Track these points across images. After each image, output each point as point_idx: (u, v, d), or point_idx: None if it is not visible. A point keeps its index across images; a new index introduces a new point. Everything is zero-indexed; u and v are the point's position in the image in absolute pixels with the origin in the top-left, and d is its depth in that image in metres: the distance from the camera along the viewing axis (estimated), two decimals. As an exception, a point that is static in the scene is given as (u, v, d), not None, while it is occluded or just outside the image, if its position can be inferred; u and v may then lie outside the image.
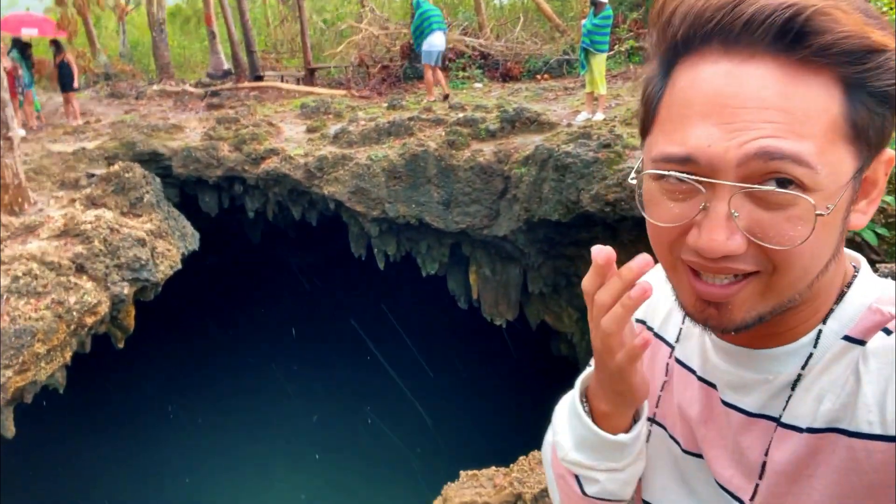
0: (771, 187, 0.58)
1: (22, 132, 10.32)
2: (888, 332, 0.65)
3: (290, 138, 9.17)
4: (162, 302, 6.99)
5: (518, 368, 9.72)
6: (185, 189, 9.31)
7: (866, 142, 0.62)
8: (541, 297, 8.37)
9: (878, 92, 0.60)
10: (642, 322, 0.97)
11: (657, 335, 0.93)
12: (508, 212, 7.34)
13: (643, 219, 0.70)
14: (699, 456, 0.82)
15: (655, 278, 0.99)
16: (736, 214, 0.60)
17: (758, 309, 0.65)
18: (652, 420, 0.90)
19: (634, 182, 0.77)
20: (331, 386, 9.80)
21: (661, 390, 0.89)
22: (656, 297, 0.95)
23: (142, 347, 7.99)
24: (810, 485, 0.67)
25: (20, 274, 5.09)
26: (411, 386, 9.33)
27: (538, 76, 12.50)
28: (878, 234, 4.33)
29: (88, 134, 10.59)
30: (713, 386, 0.80)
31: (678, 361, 0.87)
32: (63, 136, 10.64)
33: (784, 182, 0.58)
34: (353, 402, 9.42)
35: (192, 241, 7.33)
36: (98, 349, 6.21)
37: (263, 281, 12.69)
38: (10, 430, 4.92)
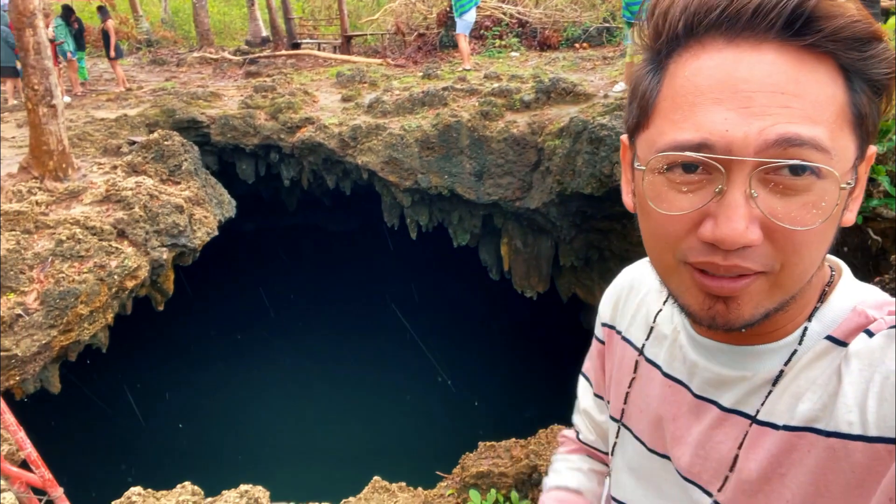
0: (795, 161, 0.57)
1: (67, 99, 10.60)
2: (870, 333, 0.65)
3: (325, 107, 9.22)
4: (200, 266, 7.18)
5: (547, 340, 9.74)
6: (223, 157, 9.47)
7: (865, 131, 0.62)
8: (572, 270, 8.34)
9: (875, 81, 0.60)
10: (611, 327, 0.99)
11: (624, 338, 0.94)
12: (541, 184, 7.29)
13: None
14: (664, 456, 0.83)
15: (623, 282, 1.00)
16: (755, 194, 0.59)
17: (765, 305, 0.64)
18: (619, 422, 0.91)
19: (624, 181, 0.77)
20: (361, 353, 9.97)
21: (629, 389, 0.89)
22: (624, 302, 0.97)
23: (181, 311, 8.25)
24: (783, 483, 0.68)
25: (64, 238, 5.28)
26: (439, 356, 9.45)
27: (577, 45, 12.24)
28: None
29: (131, 101, 10.81)
30: (681, 383, 0.80)
31: (647, 360, 0.87)
32: (106, 102, 10.89)
33: (797, 169, 0.58)
34: (381, 369, 9.58)
35: (229, 208, 7.47)
36: (139, 311, 6.44)
37: (299, 247, 12.89)
38: (55, 387, 5.17)
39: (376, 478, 3.03)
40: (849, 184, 0.62)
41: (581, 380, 1.10)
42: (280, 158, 9.09)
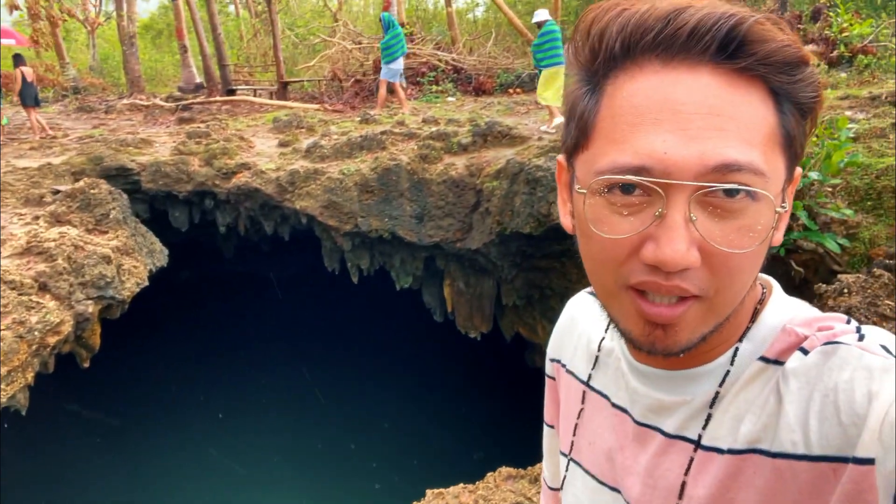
0: (732, 184, 0.58)
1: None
2: (805, 351, 0.65)
3: (261, 152, 9.10)
4: (131, 318, 6.86)
5: (493, 380, 9.71)
6: (155, 204, 9.18)
7: (793, 153, 0.64)
8: (514, 310, 8.38)
9: (802, 104, 0.62)
10: (557, 361, 0.98)
11: (568, 371, 0.93)
12: (481, 225, 7.36)
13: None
14: (614, 489, 0.81)
15: (566, 315, 0.99)
16: (694, 218, 0.59)
17: (701, 329, 0.64)
18: (567, 456, 0.89)
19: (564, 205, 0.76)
20: (300, 401, 9.69)
21: (578, 421, 0.88)
22: (566, 335, 0.97)
23: (110, 366, 7.83)
24: None
25: (-21, 293, 4.95)
26: (384, 401, 9.27)
27: (510, 90, 12.63)
28: (839, 245, 4.42)
29: (55, 149, 10.41)
30: (625, 411, 0.80)
31: (594, 390, 0.87)
32: (29, 150, 10.44)
33: (732, 192, 0.59)
34: (321, 417, 9.31)
35: (161, 257, 7.21)
36: (63, 369, 6.07)
37: (237, 295, 12.55)
38: (-33, 455, 4.77)
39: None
40: (783, 207, 0.63)
41: (544, 427, 1.08)
42: (215, 205, 8.88)
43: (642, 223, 0.61)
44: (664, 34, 0.60)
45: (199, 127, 10.59)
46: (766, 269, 0.71)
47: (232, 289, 12.48)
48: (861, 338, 0.64)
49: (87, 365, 6.44)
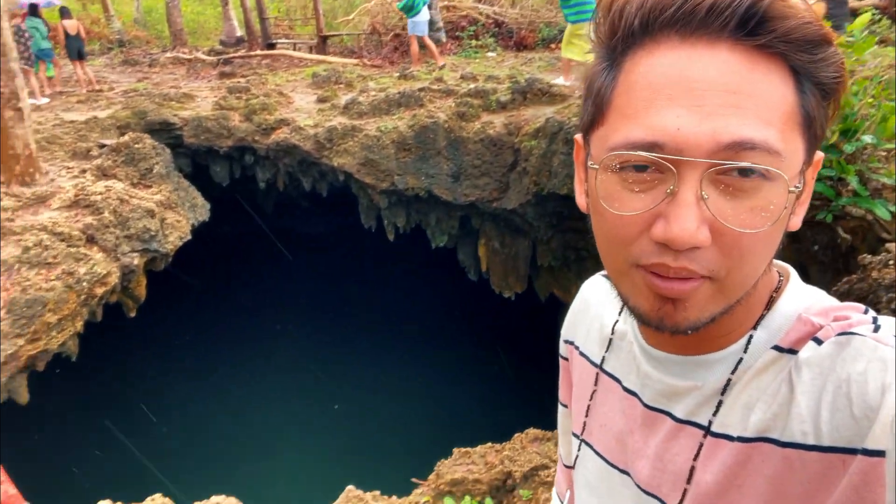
0: (745, 163, 0.57)
1: (35, 101, 10.37)
2: (819, 341, 0.65)
3: (300, 108, 9.13)
4: (175, 270, 7.06)
5: (525, 341, 9.75)
6: (197, 159, 9.34)
7: (813, 135, 0.63)
8: (550, 271, 8.35)
9: (823, 84, 0.61)
10: (570, 342, 0.99)
11: (581, 353, 0.94)
12: (518, 185, 7.29)
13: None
14: (624, 472, 0.82)
15: (580, 297, 1.00)
16: (706, 196, 0.58)
17: (710, 309, 0.64)
18: (579, 438, 0.90)
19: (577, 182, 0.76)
20: (336, 356, 9.89)
21: (590, 403, 0.89)
22: (580, 317, 0.97)
23: (155, 316, 8.11)
24: (740, 494, 0.67)
25: (31, 245, 5.15)
26: (416, 359, 9.40)
27: (552, 45, 12.28)
28: (890, 212, 4.25)
29: (101, 102, 10.62)
30: (635, 394, 0.80)
31: (607, 373, 0.87)
32: (76, 104, 10.68)
33: (746, 170, 0.58)
34: (355, 374, 9.50)
35: (203, 211, 7.37)
36: (111, 318, 6.32)
37: (276, 250, 12.77)
38: (23, 397, 5.04)
39: (350, 487, 2.99)
40: (797, 187, 0.62)
41: (559, 406, 1.09)
42: (255, 160, 8.99)
43: (653, 200, 0.60)
44: (683, 10, 0.59)
45: (239, 82, 10.65)
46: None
47: (272, 244, 12.70)
48: (877, 328, 0.63)
49: (133, 315, 6.69)
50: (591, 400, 0.89)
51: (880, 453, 0.56)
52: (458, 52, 12.54)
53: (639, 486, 0.79)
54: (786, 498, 0.64)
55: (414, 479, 3.25)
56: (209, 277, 11.38)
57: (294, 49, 14.60)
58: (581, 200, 0.75)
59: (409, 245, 9.46)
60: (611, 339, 0.87)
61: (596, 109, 0.67)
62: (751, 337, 0.70)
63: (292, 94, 9.75)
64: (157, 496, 3.16)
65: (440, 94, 8.41)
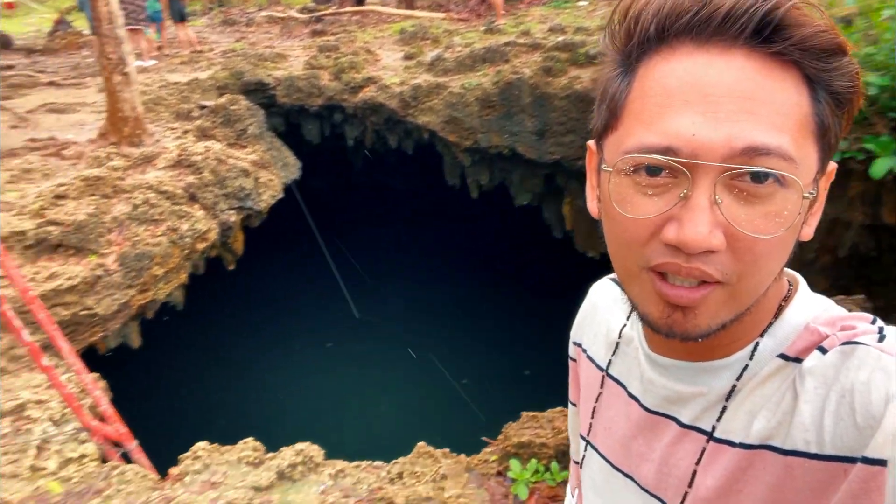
0: (760, 168, 0.58)
1: (143, 63, 11.00)
2: (824, 350, 0.65)
3: (387, 66, 9.20)
4: (269, 224, 7.41)
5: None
6: (290, 118, 9.66)
7: (827, 144, 0.62)
8: (637, 231, 8.13)
9: (838, 94, 0.60)
10: (578, 345, 1.00)
11: (588, 356, 0.95)
12: (604, 143, 7.07)
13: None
14: (628, 476, 0.83)
15: (589, 299, 1.01)
16: (720, 200, 0.59)
17: (722, 316, 0.64)
18: (585, 439, 0.92)
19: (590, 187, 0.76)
20: (416, 314, 10.09)
21: (595, 404, 0.90)
22: (588, 320, 0.98)
23: (254, 267, 8.59)
24: (739, 500, 0.68)
25: (139, 202, 5.57)
26: (498, 315, 9.44)
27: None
28: None
29: (202, 63, 11.12)
30: (638, 401, 0.81)
31: (611, 377, 0.88)
32: (180, 65, 11.25)
33: (760, 176, 0.58)
34: (434, 333, 9.63)
35: (294, 170, 7.66)
36: (212, 270, 6.77)
37: (366, 206, 13.10)
38: (135, 342, 5.55)
39: (421, 443, 3.13)
40: (811, 193, 0.61)
41: (569, 406, 1.12)
42: (344, 119, 9.19)
43: (666, 204, 0.61)
44: (699, 16, 0.59)
45: (329, 40, 10.82)
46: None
47: (361, 199, 13.03)
48: (882, 338, 0.63)
49: (232, 268, 7.13)
50: (596, 402, 0.90)
51: (881, 462, 0.56)
52: (548, 2, 12.12)
53: (643, 489, 0.81)
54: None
55: (484, 438, 3.35)
56: (300, 231, 11.85)
57: (383, 4, 14.61)
58: (593, 206, 0.75)
59: (492, 203, 9.44)
60: (617, 344, 0.88)
61: (610, 114, 0.67)
62: (757, 344, 0.70)
63: (380, 52, 9.81)
64: (250, 440, 3.42)
65: (526, 48, 8.21)
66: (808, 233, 0.65)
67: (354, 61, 8.87)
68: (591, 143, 0.74)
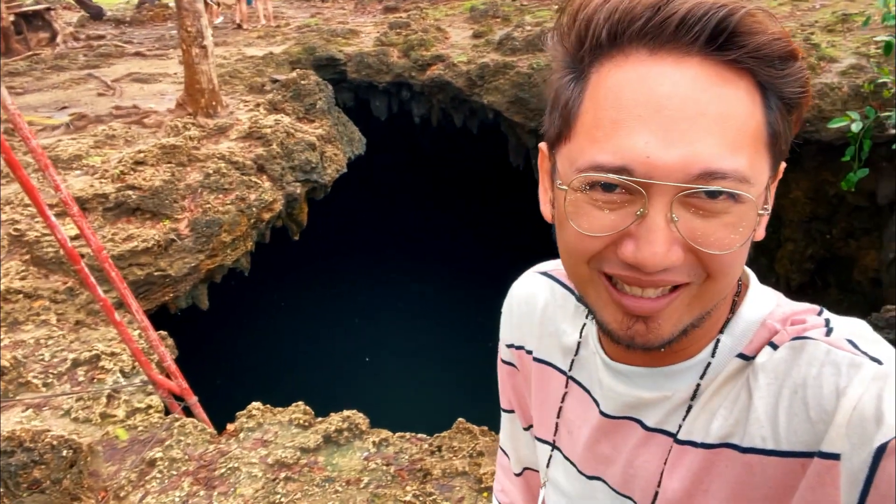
0: (716, 187, 0.57)
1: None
2: (774, 346, 0.65)
3: (456, 44, 9.19)
4: (332, 198, 7.61)
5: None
6: (359, 93, 9.82)
7: (778, 149, 0.62)
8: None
9: (789, 99, 0.60)
10: (520, 347, 0.95)
11: (537, 359, 0.91)
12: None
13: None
14: (593, 478, 0.83)
15: (517, 299, 0.96)
16: (676, 219, 0.58)
17: (684, 320, 0.64)
18: (551, 444, 0.90)
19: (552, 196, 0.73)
20: (472, 292, 10.14)
21: (562, 404, 0.88)
22: (525, 321, 0.93)
23: (316, 238, 8.85)
24: (706, 499, 0.69)
25: (212, 171, 5.82)
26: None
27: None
28: None
29: (278, 38, 11.42)
30: (598, 405, 0.80)
31: (574, 381, 0.86)
32: (256, 39, 11.58)
33: (715, 193, 0.58)
34: (482, 314, 9.63)
35: (359, 145, 7.80)
36: (278, 238, 7.02)
37: (430, 182, 13.20)
38: (204, 304, 5.85)
39: (460, 419, 3.20)
40: (766, 209, 0.62)
41: (502, 413, 1.07)
42: (411, 96, 9.27)
43: (623, 221, 0.60)
44: (652, 23, 0.57)
45: (401, 17, 10.87)
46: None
47: (425, 175, 13.13)
48: (829, 332, 0.63)
49: (296, 238, 7.37)
50: (562, 402, 0.87)
51: (835, 456, 0.57)
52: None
53: (612, 489, 0.80)
54: (750, 501, 0.65)
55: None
56: (363, 206, 12.07)
57: (457, -20, 14.51)
58: (545, 210, 0.73)
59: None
60: (578, 343, 0.85)
61: (563, 123, 0.65)
62: (717, 341, 0.70)
63: (449, 30, 9.80)
64: (300, 404, 3.57)
65: (599, 28, 8.02)
66: (760, 234, 0.65)
67: (424, 39, 8.91)
68: (542, 146, 0.72)
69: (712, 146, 0.56)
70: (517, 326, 0.96)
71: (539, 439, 0.93)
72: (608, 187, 0.60)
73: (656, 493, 0.74)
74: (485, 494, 2.69)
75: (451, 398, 7.35)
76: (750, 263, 0.69)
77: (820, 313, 0.67)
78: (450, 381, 8.16)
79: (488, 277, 10.43)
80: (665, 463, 0.73)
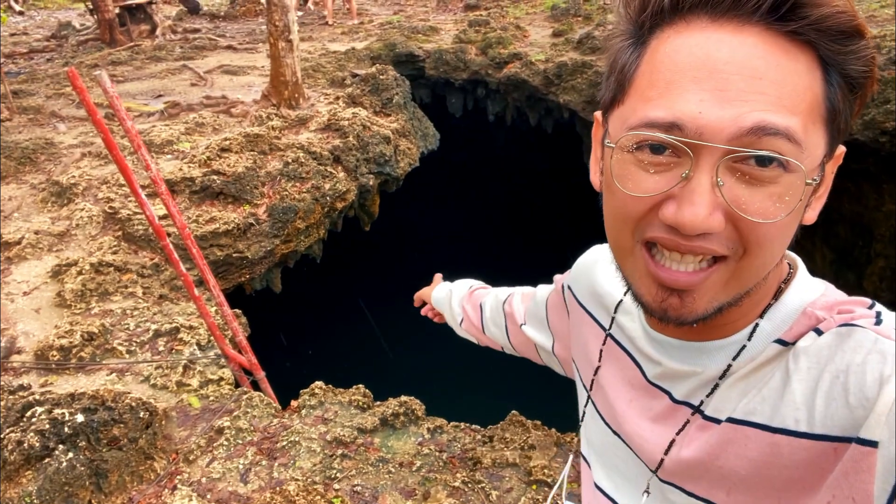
0: (765, 151, 0.56)
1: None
2: (819, 332, 0.64)
3: (534, 42, 9.16)
4: (404, 192, 7.75)
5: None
6: (436, 90, 9.93)
7: (837, 128, 0.61)
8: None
9: (852, 78, 0.59)
10: (572, 292, 1.01)
11: (586, 310, 0.96)
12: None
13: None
14: (617, 434, 0.86)
15: (588, 258, 1.01)
16: (721, 183, 0.58)
17: (720, 298, 0.64)
18: (588, 394, 0.94)
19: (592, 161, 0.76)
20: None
21: (599, 363, 0.91)
22: (583, 275, 0.99)
23: (386, 230, 9.03)
24: (718, 473, 0.70)
25: (290, 160, 6.06)
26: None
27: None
28: None
29: (360, 34, 11.70)
30: (640, 368, 0.82)
31: (614, 339, 0.88)
32: (340, 35, 11.91)
33: (765, 160, 0.57)
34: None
35: (433, 140, 7.91)
36: (349, 228, 7.22)
37: (502, 180, 13.20)
38: (277, 287, 6.10)
39: (514, 412, 3.23)
40: (815, 180, 0.60)
41: (542, 292, 1.16)
42: (486, 94, 9.30)
43: (667, 183, 0.60)
44: None
45: (480, 15, 10.92)
46: None
47: (497, 174, 13.13)
48: (879, 322, 0.62)
49: (367, 228, 7.55)
50: (599, 361, 0.91)
51: (873, 443, 0.56)
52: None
53: (631, 448, 0.83)
54: (772, 480, 0.65)
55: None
56: (437, 200, 12.20)
57: (540, -21, 14.42)
58: (595, 178, 0.75)
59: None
60: (617, 308, 0.88)
61: (618, 87, 0.66)
62: (756, 325, 0.69)
63: (529, 28, 9.77)
64: (361, 386, 3.70)
65: (682, 29, 7.81)
66: (811, 216, 0.64)
67: (502, 37, 8.93)
68: (597, 114, 0.74)
69: (766, 104, 0.56)
70: (576, 276, 1.02)
71: (582, 384, 0.98)
72: (656, 149, 0.61)
73: (662, 460, 0.76)
74: (533, 487, 2.72)
75: (507, 391, 7.36)
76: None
77: (871, 306, 0.66)
78: (505, 375, 8.17)
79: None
80: (677, 434, 0.75)
